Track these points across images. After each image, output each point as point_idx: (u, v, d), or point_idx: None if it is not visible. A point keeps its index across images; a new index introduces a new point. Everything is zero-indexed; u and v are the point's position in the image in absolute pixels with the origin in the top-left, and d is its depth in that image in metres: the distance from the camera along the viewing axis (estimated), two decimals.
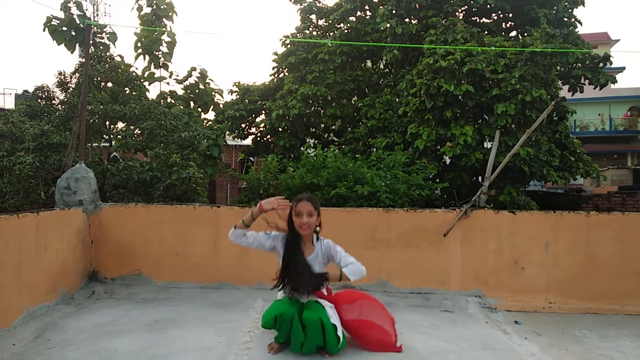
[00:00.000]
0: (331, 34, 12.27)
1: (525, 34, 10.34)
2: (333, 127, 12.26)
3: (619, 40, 31.90)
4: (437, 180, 9.28)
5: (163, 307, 4.12)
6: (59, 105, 8.30)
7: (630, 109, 30.64)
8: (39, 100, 8.41)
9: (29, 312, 3.66)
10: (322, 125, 12.17)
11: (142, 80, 9.95)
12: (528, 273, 4.56)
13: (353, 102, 12.10)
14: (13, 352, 3.08)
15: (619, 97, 30.27)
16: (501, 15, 11.35)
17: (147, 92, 9.52)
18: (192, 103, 11.43)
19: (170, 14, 11.10)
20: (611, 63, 9.82)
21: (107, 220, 4.78)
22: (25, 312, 3.61)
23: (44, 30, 8.07)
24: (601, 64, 9.73)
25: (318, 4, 12.78)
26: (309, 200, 3.09)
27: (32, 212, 3.82)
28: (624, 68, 28.73)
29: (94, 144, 8.00)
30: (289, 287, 3.11)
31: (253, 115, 12.92)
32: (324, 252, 3.15)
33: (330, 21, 12.30)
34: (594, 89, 10.08)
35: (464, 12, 11.30)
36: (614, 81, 9.91)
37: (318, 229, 3.16)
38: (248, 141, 14.18)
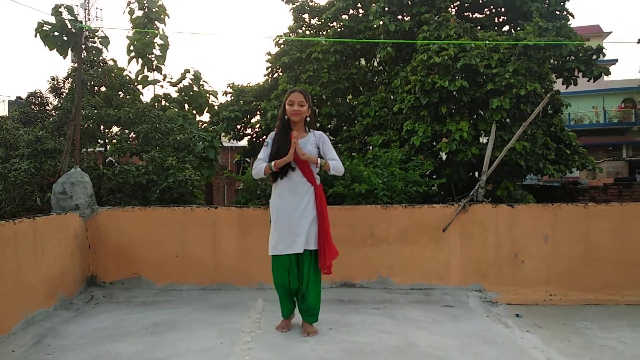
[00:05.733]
0: (324, 32, 12.24)
1: (518, 28, 10.35)
2: (329, 126, 12.26)
3: (611, 32, 32.02)
4: (434, 176, 9.27)
5: (163, 310, 4.10)
6: (53, 111, 8.28)
7: (624, 100, 30.76)
8: (33, 107, 8.39)
9: (28, 318, 3.63)
10: (318, 125, 12.18)
11: (135, 84, 9.90)
12: (528, 266, 4.56)
13: (348, 101, 12.09)
14: (12, 358, 3.06)
15: (612, 89, 30.38)
16: (493, 10, 11.37)
17: (141, 96, 9.48)
18: (186, 105, 11.36)
19: (162, 16, 11.00)
20: (604, 55, 9.82)
21: (104, 224, 4.75)
22: (24, 319, 3.58)
23: (35, 35, 7.97)
24: (594, 56, 9.73)
25: (310, 3, 12.74)
26: (300, 92, 3.41)
27: (29, 218, 3.80)
28: (617, 60, 28.92)
29: (89, 149, 7.96)
30: (282, 172, 3.41)
31: (248, 116, 12.89)
32: (316, 138, 3.45)
33: (323, 20, 12.27)
34: (588, 81, 10.08)
35: (456, 8, 11.31)
36: (608, 73, 9.93)
37: (308, 119, 3.46)
38: (244, 142, 14.16)
